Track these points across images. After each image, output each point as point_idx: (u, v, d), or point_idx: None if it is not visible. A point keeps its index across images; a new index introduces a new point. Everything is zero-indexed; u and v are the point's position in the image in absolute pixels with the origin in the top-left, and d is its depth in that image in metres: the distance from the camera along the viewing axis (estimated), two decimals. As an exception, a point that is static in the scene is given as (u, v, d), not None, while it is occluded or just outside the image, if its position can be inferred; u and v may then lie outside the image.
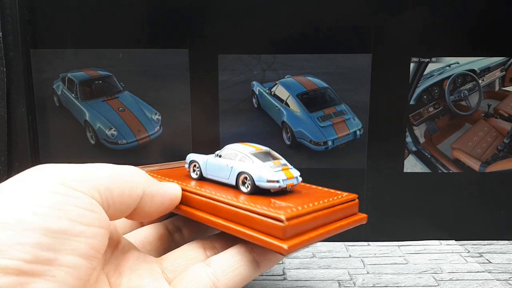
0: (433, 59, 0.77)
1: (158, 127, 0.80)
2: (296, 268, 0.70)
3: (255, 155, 0.55)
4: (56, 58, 0.78)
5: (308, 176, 0.78)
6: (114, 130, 0.79)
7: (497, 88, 0.78)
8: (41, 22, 0.77)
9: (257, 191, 0.52)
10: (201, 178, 0.59)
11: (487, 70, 0.77)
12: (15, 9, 0.74)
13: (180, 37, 0.78)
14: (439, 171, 0.81)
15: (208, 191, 0.53)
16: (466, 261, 0.73)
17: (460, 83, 0.78)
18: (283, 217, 0.43)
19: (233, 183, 0.55)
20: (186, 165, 0.61)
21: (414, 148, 0.80)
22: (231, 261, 0.47)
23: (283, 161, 0.56)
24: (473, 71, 0.77)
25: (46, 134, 0.80)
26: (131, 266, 0.47)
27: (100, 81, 0.79)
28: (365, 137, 0.80)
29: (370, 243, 0.82)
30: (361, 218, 0.54)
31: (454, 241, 0.83)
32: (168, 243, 0.56)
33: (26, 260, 0.32)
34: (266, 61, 0.78)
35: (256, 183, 0.52)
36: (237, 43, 0.78)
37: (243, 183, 0.54)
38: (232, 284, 0.45)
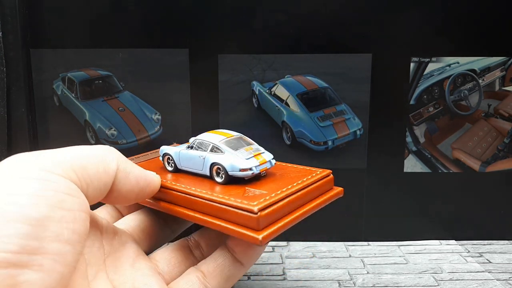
0: (433, 59, 0.77)
1: (158, 127, 0.80)
2: (296, 268, 0.70)
3: (226, 143, 0.55)
4: (56, 58, 0.78)
5: None
6: (114, 130, 0.79)
7: (497, 88, 0.78)
8: (41, 22, 0.76)
9: (232, 180, 0.53)
10: (177, 170, 0.59)
11: (487, 70, 0.77)
12: (15, 9, 0.74)
13: (180, 37, 0.78)
14: (439, 171, 0.81)
15: (183, 185, 0.53)
16: (466, 261, 0.73)
17: (460, 83, 0.78)
18: (255, 209, 0.44)
19: (208, 173, 0.55)
20: (160, 158, 0.61)
21: (414, 148, 0.80)
22: (216, 264, 0.49)
23: (255, 146, 0.56)
24: (473, 71, 0.77)
25: (46, 134, 0.80)
26: (132, 263, 0.47)
27: (100, 81, 0.79)
28: (365, 137, 0.80)
29: (370, 243, 0.82)
30: (337, 192, 0.56)
31: (454, 241, 0.82)
32: (157, 234, 0.56)
33: (13, 251, 0.32)
34: (266, 61, 0.78)
35: (229, 173, 0.52)
36: (237, 43, 0.78)
37: (217, 174, 0.54)
38: (222, 286, 0.48)
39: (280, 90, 0.79)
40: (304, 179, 0.54)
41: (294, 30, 0.77)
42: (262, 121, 0.80)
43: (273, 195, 0.48)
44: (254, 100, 0.80)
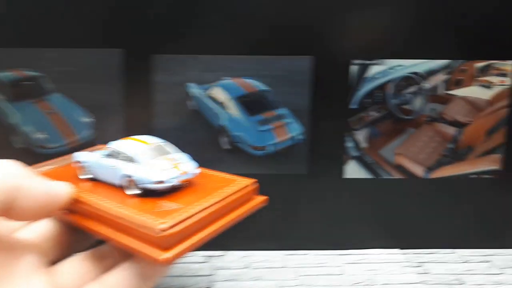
0: (375, 61, 0.74)
1: (90, 130, 0.76)
2: (225, 280, 0.68)
3: (143, 152, 0.51)
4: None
5: None
6: (42, 134, 0.76)
7: (441, 91, 0.76)
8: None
9: (149, 192, 0.49)
10: (93, 179, 0.55)
11: (431, 73, 0.75)
12: None
13: (113, 36, 0.74)
14: (382, 177, 0.78)
15: (95, 197, 0.49)
16: (404, 271, 0.71)
17: (403, 86, 0.75)
18: (159, 227, 0.42)
19: (122, 184, 0.51)
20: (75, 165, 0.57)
21: (355, 153, 0.78)
22: (119, 277, 0.46)
23: (177, 154, 0.53)
24: (416, 74, 0.75)
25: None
26: (27, 279, 0.44)
27: (29, 82, 0.75)
28: (305, 142, 0.77)
29: (309, 252, 0.80)
30: (260, 202, 0.53)
31: (398, 249, 0.80)
32: (69, 241, 0.53)
33: None
34: (203, 62, 0.75)
35: (142, 185, 0.49)
36: (173, 43, 0.74)
37: (130, 186, 0.50)
38: None
39: (218, 93, 0.76)
40: (225, 189, 0.52)
41: (232, 30, 0.74)
42: (199, 124, 0.77)
43: (187, 209, 0.46)
44: (190, 102, 0.76)
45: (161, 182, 0.49)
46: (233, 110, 0.77)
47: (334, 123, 0.77)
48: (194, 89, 0.76)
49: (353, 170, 0.78)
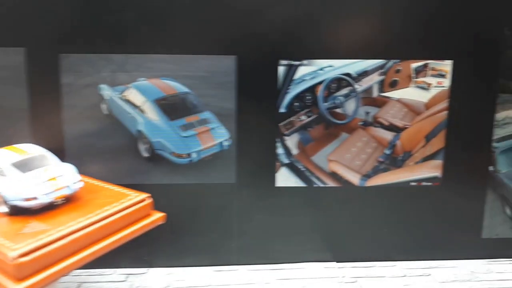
0: (304, 61, 0.68)
1: (-11, 138, 0.69)
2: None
3: (14, 164, 0.46)
4: None
5: (170, 193, 0.70)
6: None
7: (375, 93, 0.71)
8: None
9: (22, 210, 0.44)
10: None
11: (364, 74, 0.70)
12: None
13: (15, 34, 0.66)
14: (315, 185, 0.73)
15: None
16: (337, 288, 0.66)
17: (334, 88, 0.70)
18: (13, 254, 0.37)
19: None
20: None
21: (286, 160, 0.72)
22: None
23: (56, 167, 0.48)
24: (348, 75, 0.70)
25: None
26: None
27: None
28: (233, 149, 0.71)
29: (240, 267, 0.74)
30: (155, 220, 0.49)
31: (335, 262, 0.75)
32: None
33: None
34: (116, 62, 0.68)
35: (12, 202, 0.43)
36: (82, 41, 0.67)
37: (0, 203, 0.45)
38: None
39: (134, 95, 0.69)
40: (114, 205, 0.47)
41: (147, 27, 0.67)
42: (115, 130, 0.71)
43: (53, 231, 0.41)
44: (103, 106, 0.69)
45: (33, 198, 0.44)
46: (151, 114, 0.70)
47: (263, 128, 0.72)
48: (107, 92, 0.69)
49: (284, 178, 0.73)
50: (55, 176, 0.47)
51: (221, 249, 0.75)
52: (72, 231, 0.42)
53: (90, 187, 0.54)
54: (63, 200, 0.47)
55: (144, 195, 0.50)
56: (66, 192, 0.47)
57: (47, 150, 0.52)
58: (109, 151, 0.70)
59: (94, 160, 0.70)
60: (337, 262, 0.76)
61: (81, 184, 0.50)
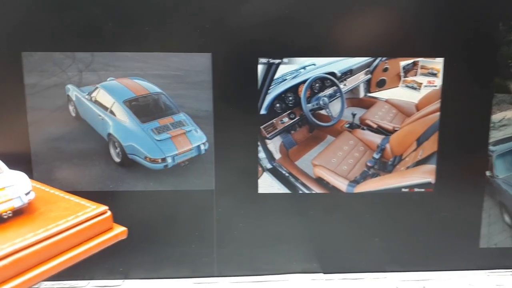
0: (285, 59, 0.64)
1: None
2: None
3: None
4: None
5: (145, 201, 0.66)
6: None
7: (362, 94, 0.66)
8: None
9: None
10: None
11: (349, 72, 0.65)
12: None
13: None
14: (300, 192, 0.68)
15: None
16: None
17: (318, 88, 0.66)
18: None
19: None
20: None
21: (269, 165, 0.67)
22: None
23: (4, 176, 0.44)
24: (332, 74, 0.65)
25: None
26: None
27: None
28: (211, 153, 0.67)
29: (222, 279, 0.69)
30: (117, 234, 0.45)
31: (322, 274, 0.70)
32: None
33: None
34: (82, 60, 0.64)
35: None
36: (45, 38, 0.63)
37: None
38: None
39: (103, 96, 0.65)
40: (70, 219, 0.43)
41: (114, 21, 0.62)
42: (84, 133, 0.66)
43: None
44: (71, 107, 0.65)
45: None
46: (121, 116, 0.65)
47: (243, 131, 0.67)
48: (75, 92, 0.64)
49: (267, 184, 0.68)
50: (3, 186, 0.43)
51: (200, 260, 0.70)
52: (16, 249, 0.37)
53: (46, 197, 0.49)
54: (8, 214, 0.43)
55: (103, 208, 0.46)
56: (15, 204, 0.43)
57: None
58: (78, 156, 0.66)
59: (62, 166, 0.66)
60: (325, 273, 0.71)
61: (33, 195, 0.45)
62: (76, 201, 0.47)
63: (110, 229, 0.46)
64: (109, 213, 0.46)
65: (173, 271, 0.70)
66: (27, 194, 0.44)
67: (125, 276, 0.70)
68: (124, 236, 0.46)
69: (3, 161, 0.51)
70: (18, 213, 0.44)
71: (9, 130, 0.65)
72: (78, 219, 0.43)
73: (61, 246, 0.41)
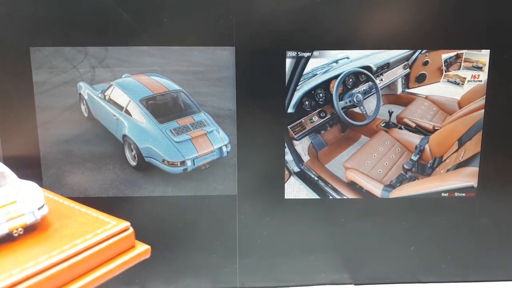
0: (315, 52, 0.59)
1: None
2: None
3: None
4: None
5: (163, 207, 0.64)
6: None
7: (399, 90, 0.62)
8: None
9: None
10: None
11: (386, 66, 0.61)
12: None
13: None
14: (330, 197, 0.64)
15: None
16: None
17: (351, 84, 0.62)
18: None
19: None
20: None
21: (296, 169, 0.63)
22: None
23: (14, 189, 0.40)
24: (368, 68, 0.61)
25: None
26: None
27: None
28: (234, 155, 0.63)
29: (244, 291, 0.64)
30: (140, 254, 0.41)
31: (353, 285, 0.66)
32: None
33: None
34: (95, 56, 0.60)
35: None
36: (54, 32, 0.59)
37: None
38: None
39: (117, 94, 0.61)
40: (88, 237, 0.39)
41: (130, 13, 0.58)
42: (97, 135, 0.63)
43: (3, 277, 0.33)
44: (83, 107, 0.61)
45: None
46: (137, 116, 0.61)
47: (268, 131, 0.63)
48: (87, 90, 0.60)
49: (294, 189, 0.64)
50: (13, 201, 0.38)
51: (222, 270, 0.67)
52: (28, 275, 0.33)
53: (60, 210, 0.45)
54: (18, 232, 0.38)
55: (124, 224, 0.41)
56: (27, 220, 0.39)
57: (4, 165, 0.43)
58: (90, 159, 0.62)
59: (73, 170, 0.62)
60: (355, 284, 0.68)
61: (46, 210, 0.41)
62: (94, 215, 0.43)
63: (132, 247, 0.41)
64: (131, 230, 0.42)
65: (193, 282, 0.67)
66: (40, 208, 0.40)
67: (142, 287, 0.67)
68: (148, 255, 0.42)
69: (11, 165, 0.47)
70: (30, 229, 0.40)
71: (16, 132, 0.61)
72: (97, 238, 0.39)
73: (78, 269, 0.37)
